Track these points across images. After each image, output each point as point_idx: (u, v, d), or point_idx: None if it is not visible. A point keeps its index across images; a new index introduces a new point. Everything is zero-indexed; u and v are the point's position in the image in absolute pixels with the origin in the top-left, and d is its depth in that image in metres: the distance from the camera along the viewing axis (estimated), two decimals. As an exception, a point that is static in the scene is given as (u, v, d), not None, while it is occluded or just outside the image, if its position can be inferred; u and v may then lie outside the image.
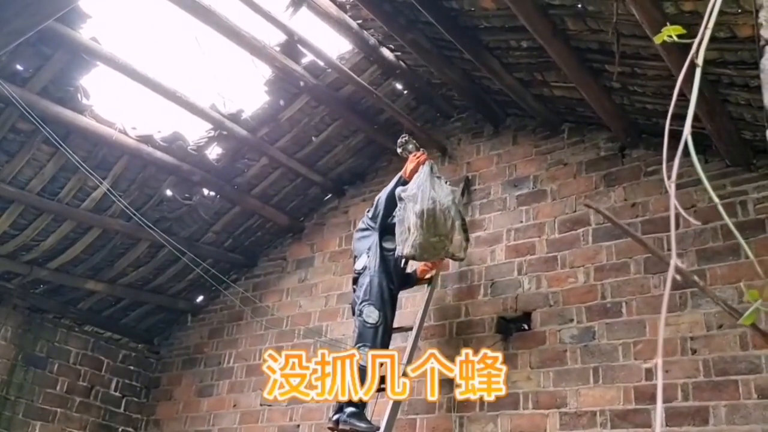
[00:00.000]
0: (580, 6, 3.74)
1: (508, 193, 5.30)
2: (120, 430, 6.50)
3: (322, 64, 5.23)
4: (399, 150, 5.15)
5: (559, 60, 4.21)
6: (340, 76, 5.28)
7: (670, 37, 0.90)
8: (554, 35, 4.01)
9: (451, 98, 5.83)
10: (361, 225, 5.04)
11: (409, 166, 4.90)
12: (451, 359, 4.91)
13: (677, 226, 4.30)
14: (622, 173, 4.79)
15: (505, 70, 4.79)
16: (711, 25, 0.81)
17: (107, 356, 6.57)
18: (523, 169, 5.32)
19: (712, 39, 3.41)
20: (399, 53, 5.35)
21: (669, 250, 4.27)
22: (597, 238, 4.66)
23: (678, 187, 4.25)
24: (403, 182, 4.84)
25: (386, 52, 5.29)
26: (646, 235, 4.42)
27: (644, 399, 4.04)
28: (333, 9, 4.79)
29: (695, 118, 3.98)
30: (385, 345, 4.52)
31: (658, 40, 0.90)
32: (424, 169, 4.73)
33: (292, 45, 5.04)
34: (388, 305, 4.60)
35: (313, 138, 5.88)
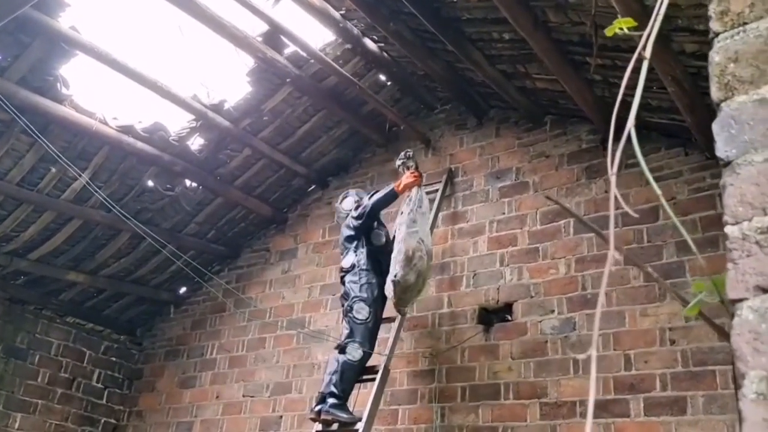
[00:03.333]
0: (560, -2, 3.75)
1: (491, 184, 5.31)
2: (102, 421, 6.48)
3: (305, 54, 5.20)
4: (399, 162, 5.03)
5: (540, 52, 4.22)
6: (323, 67, 5.26)
7: (621, 29, 0.91)
8: (535, 27, 4.01)
9: (435, 90, 5.82)
10: (346, 221, 5.01)
11: (405, 181, 4.82)
12: (433, 350, 4.96)
13: (656, 219, 4.32)
14: (603, 165, 4.80)
15: (488, 62, 4.79)
16: (660, 18, 0.81)
17: (89, 348, 6.54)
18: (505, 161, 5.33)
19: (691, 31, 3.43)
20: (382, 44, 5.34)
21: (649, 242, 4.32)
22: (578, 230, 4.68)
23: (658, 179, 4.28)
24: (394, 194, 4.84)
25: (369, 43, 5.28)
26: (626, 227, 4.45)
27: (623, 389, 4.08)
28: (316, -1, 4.77)
29: (675, 110, 4.01)
30: (374, 340, 4.57)
31: (609, 32, 0.90)
32: (419, 195, 4.73)
33: (275, 35, 5.01)
34: (378, 302, 4.65)
35: (298, 128, 5.86)
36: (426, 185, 5.63)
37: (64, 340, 6.38)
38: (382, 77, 5.72)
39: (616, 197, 0.70)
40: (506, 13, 3.91)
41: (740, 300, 0.70)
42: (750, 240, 0.71)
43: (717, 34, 0.83)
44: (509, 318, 4.77)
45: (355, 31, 5.13)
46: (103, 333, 6.72)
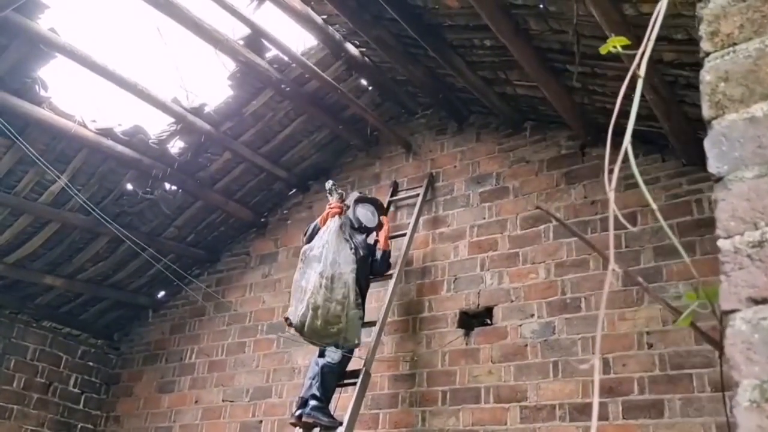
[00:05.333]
0: (542, 6, 3.79)
1: (471, 189, 5.34)
2: (79, 426, 6.41)
3: (286, 59, 5.21)
4: (327, 193, 5.08)
5: (521, 59, 4.26)
6: (305, 72, 5.26)
7: (615, 48, 0.93)
8: (516, 34, 4.06)
9: (416, 95, 5.85)
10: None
11: (324, 214, 4.92)
12: (414, 354, 4.98)
13: (634, 224, 4.39)
14: (582, 171, 4.86)
15: (469, 68, 4.83)
16: (653, 38, 0.84)
17: (66, 352, 6.47)
18: (486, 166, 5.37)
19: (670, 41, 3.49)
20: (364, 49, 5.36)
21: (627, 246, 4.38)
22: (558, 234, 4.73)
23: (635, 186, 4.34)
24: (318, 229, 4.87)
25: (351, 48, 5.29)
26: (605, 232, 4.50)
27: (602, 392, 4.12)
28: (297, 3, 4.76)
29: (653, 118, 4.08)
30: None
31: (603, 50, 0.92)
32: (333, 226, 4.74)
33: (257, 39, 5.01)
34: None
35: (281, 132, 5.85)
36: (407, 189, 5.68)
37: (41, 345, 6.30)
38: (364, 82, 5.74)
39: (616, 217, 0.72)
40: (488, 20, 3.94)
41: (733, 311, 0.73)
42: (742, 253, 0.74)
43: (708, 54, 0.86)
44: (489, 322, 4.80)
45: (337, 36, 5.14)
46: (80, 337, 6.65)
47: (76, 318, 6.61)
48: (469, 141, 5.58)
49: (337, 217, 4.80)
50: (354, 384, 4.45)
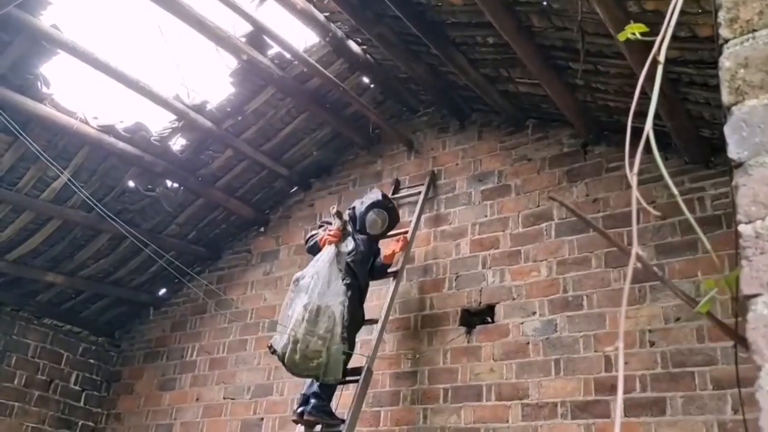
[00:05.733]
0: (545, 3, 3.79)
1: (473, 187, 5.34)
2: (80, 424, 6.40)
3: (288, 56, 5.20)
4: (330, 215, 4.91)
5: (523, 57, 4.26)
6: (307, 69, 5.26)
7: (634, 34, 0.93)
8: (519, 32, 4.06)
9: (418, 93, 5.85)
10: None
11: (322, 237, 4.76)
12: (416, 352, 4.98)
13: (637, 222, 4.39)
14: (584, 169, 4.87)
15: (471, 66, 4.82)
16: (673, 23, 0.84)
17: (67, 349, 6.47)
18: (487, 164, 5.37)
19: (673, 38, 3.49)
20: (366, 47, 5.36)
21: (629, 244, 4.38)
22: (560, 232, 4.74)
23: (638, 182, 4.34)
24: (317, 248, 4.75)
25: (353, 45, 5.29)
26: (607, 230, 4.50)
27: (604, 390, 4.13)
28: (299, 0, 4.77)
29: (656, 116, 4.08)
30: (353, 339, 4.56)
31: (621, 37, 0.92)
32: (326, 256, 4.61)
33: (258, 36, 5.01)
34: (354, 302, 4.60)
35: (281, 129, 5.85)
36: (409, 187, 5.68)
37: (42, 342, 6.30)
38: (366, 80, 5.74)
39: (638, 198, 0.72)
40: (491, 17, 3.94)
41: (755, 296, 0.73)
42: (763, 238, 0.74)
43: (726, 41, 0.86)
44: (491, 320, 4.80)
45: (339, 33, 5.14)
46: (81, 335, 6.65)
47: (78, 315, 6.61)
48: (471, 139, 5.58)
49: (333, 245, 4.66)
50: (356, 381, 4.44)
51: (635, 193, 0.78)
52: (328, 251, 4.63)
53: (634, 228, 0.80)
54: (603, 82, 4.32)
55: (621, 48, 3.56)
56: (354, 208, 4.97)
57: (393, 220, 4.99)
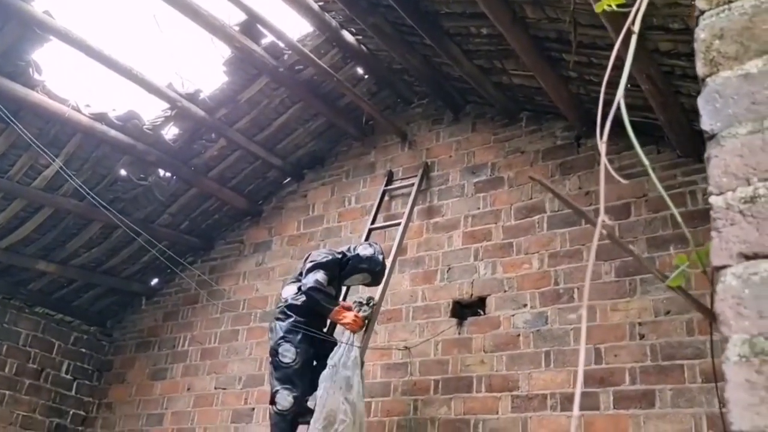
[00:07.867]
0: (539, -7, 3.78)
1: (466, 179, 5.34)
2: (71, 413, 6.40)
3: (282, 45, 5.18)
4: (356, 302, 4.51)
5: (517, 48, 4.25)
6: (301, 59, 5.24)
7: (610, 6, 0.92)
8: (513, 23, 4.04)
9: (412, 84, 5.84)
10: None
11: (343, 320, 4.32)
12: (407, 343, 4.98)
13: (628, 215, 4.39)
14: (577, 162, 4.86)
15: (465, 57, 4.81)
16: (648, -7, 0.83)
17: (58, 338, 6.45)
18: (481, 156, 5.36)
19: (666, 30, 3.49)
20: (360, 37, 5.33)
21: (621, 237, 4.38)
22: (551, 225, 4.74)
23: (630, 177, 4.34)
24: (327, 311, 4.35)
25: (347, 35, 5.27)
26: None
27: (593, 382, 4.13)
28: (294, -10, 4.74)
29: (648, 108, 4.07)
30: (306, 382, 4.25)
31: (598, 8, 0.91)
32: (350, 341, 4.23)
33: (252, 25, 4.98)
34: (305, 342, 4.31)
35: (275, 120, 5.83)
36: (402, 179, 5.67)
37: (33, 331, 6.28)
38: (360, 70, 5.72)
39: (605, 166, 0.72)
40: (485, 7, 3.93)
41: (724, 267, 0.73)
42: (734, 209, 0.73)
43: (702, 12, 0.85)
44: (482, 312, 4.81)
45: (334, 23, 5.12)
46: (73, 324, 6.63)
47: (69, 304, 6.59)
48: (464, 131, 5.57)
49: (351, 333, 4.28)
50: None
51: (603, 159, 0.78)
52: (347, 338, 4.26)
53: (602, 198, 0.80)
54: (596, 75, 4.31)
55: (613, 38, 3.55)
56: (350, 249, 4.68)
57: (373, 282, 4.72)
